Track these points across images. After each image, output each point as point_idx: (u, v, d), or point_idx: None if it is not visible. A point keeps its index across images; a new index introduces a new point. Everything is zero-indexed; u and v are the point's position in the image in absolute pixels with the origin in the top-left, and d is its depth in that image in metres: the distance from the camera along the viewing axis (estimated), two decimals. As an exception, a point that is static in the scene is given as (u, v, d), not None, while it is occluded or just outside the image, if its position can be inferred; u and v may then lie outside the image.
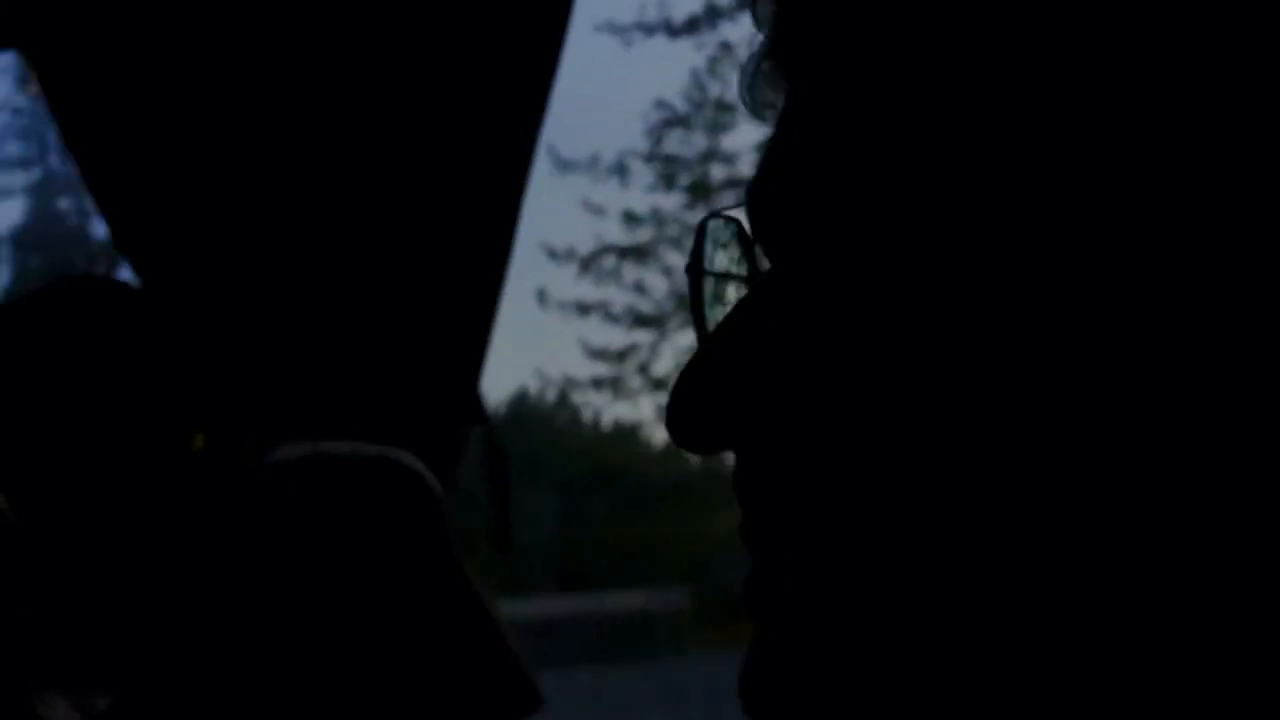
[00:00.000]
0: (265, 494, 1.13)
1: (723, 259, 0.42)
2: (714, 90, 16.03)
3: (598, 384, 19.98)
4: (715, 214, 0.42)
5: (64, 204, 25.76)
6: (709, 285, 0.42)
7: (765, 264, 0.41)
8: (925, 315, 0.35)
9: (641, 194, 26.87)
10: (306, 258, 1.53)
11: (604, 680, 18.99)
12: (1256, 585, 0.33)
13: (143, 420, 1.22)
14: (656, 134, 17.00)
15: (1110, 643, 0.34)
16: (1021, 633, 0.34)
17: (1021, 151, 0.35)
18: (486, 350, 1.49)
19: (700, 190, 16.93)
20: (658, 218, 17.72)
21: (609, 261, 17.90)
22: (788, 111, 0.40)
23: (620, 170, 18.33)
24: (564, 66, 1.47)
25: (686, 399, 0.38)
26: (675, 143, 17.04)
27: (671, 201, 24.83)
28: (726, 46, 15.64)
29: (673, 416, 0.38)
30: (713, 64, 15.94)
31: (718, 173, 16.82)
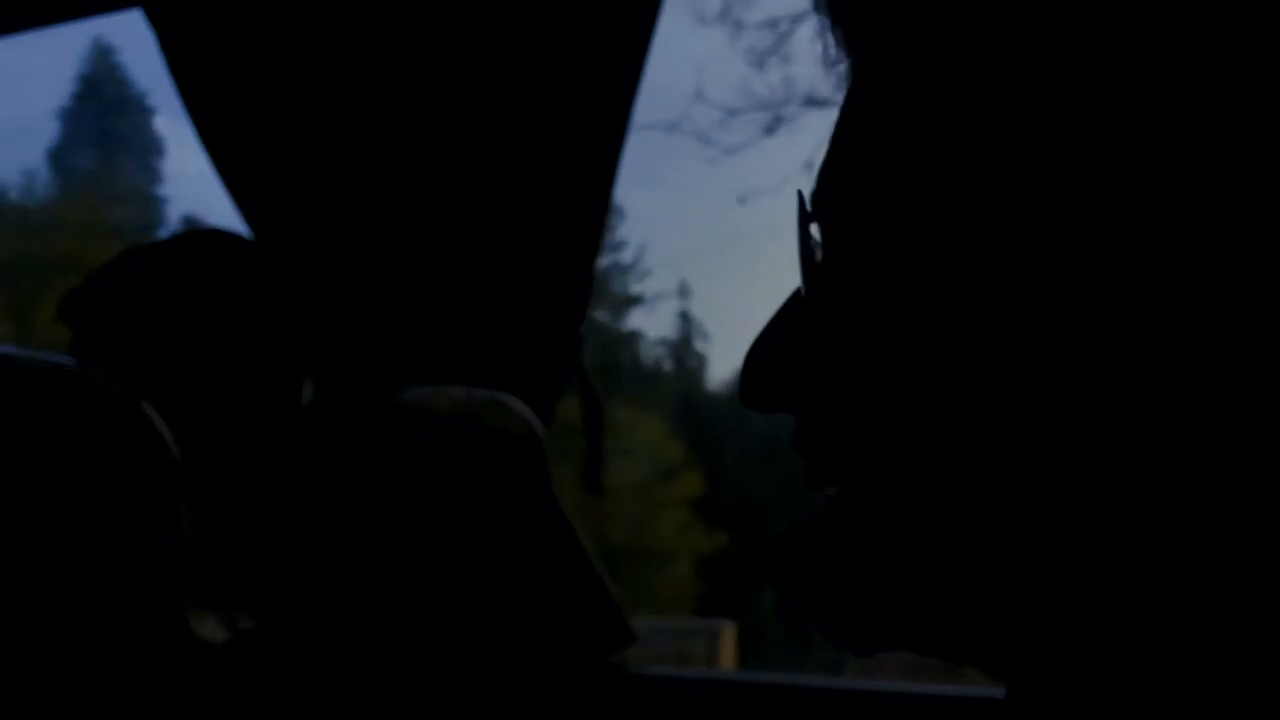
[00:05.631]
0: (385, 433, 1.19)
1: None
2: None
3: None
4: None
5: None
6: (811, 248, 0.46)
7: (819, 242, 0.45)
8: (961, 303, 0.38)
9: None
10: (417, 216, 1.58)
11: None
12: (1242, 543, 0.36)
13: (254, 359, 1.29)
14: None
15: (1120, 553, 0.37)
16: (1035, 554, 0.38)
17: (1035, 149, 0.37)
18: (589, 300, 1.54)
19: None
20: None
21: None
22: (847, 104, 0.44)
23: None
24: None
25: (752, 369, 0.43)
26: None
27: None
28: None
29: (741, 384, 0.43)
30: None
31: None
